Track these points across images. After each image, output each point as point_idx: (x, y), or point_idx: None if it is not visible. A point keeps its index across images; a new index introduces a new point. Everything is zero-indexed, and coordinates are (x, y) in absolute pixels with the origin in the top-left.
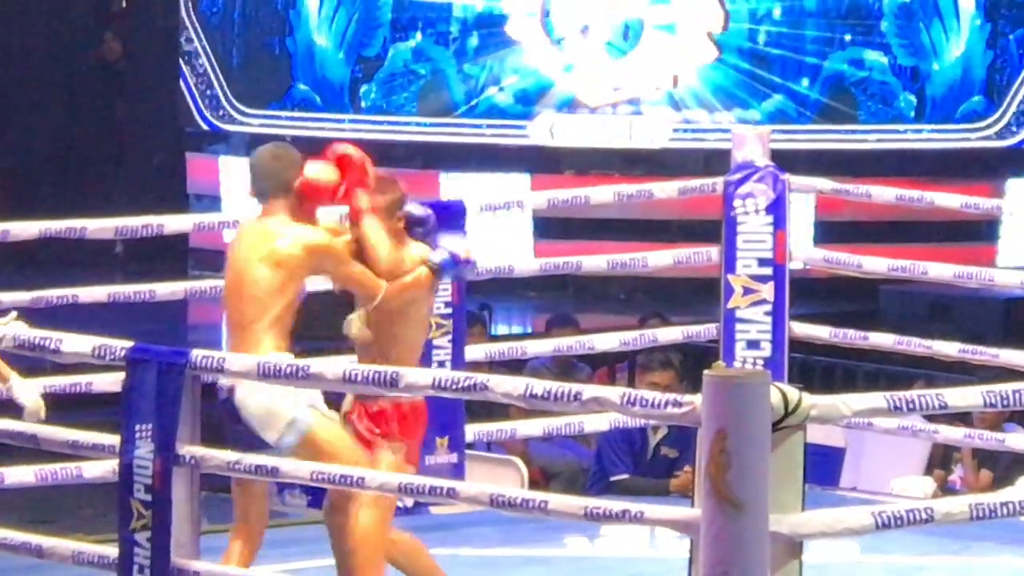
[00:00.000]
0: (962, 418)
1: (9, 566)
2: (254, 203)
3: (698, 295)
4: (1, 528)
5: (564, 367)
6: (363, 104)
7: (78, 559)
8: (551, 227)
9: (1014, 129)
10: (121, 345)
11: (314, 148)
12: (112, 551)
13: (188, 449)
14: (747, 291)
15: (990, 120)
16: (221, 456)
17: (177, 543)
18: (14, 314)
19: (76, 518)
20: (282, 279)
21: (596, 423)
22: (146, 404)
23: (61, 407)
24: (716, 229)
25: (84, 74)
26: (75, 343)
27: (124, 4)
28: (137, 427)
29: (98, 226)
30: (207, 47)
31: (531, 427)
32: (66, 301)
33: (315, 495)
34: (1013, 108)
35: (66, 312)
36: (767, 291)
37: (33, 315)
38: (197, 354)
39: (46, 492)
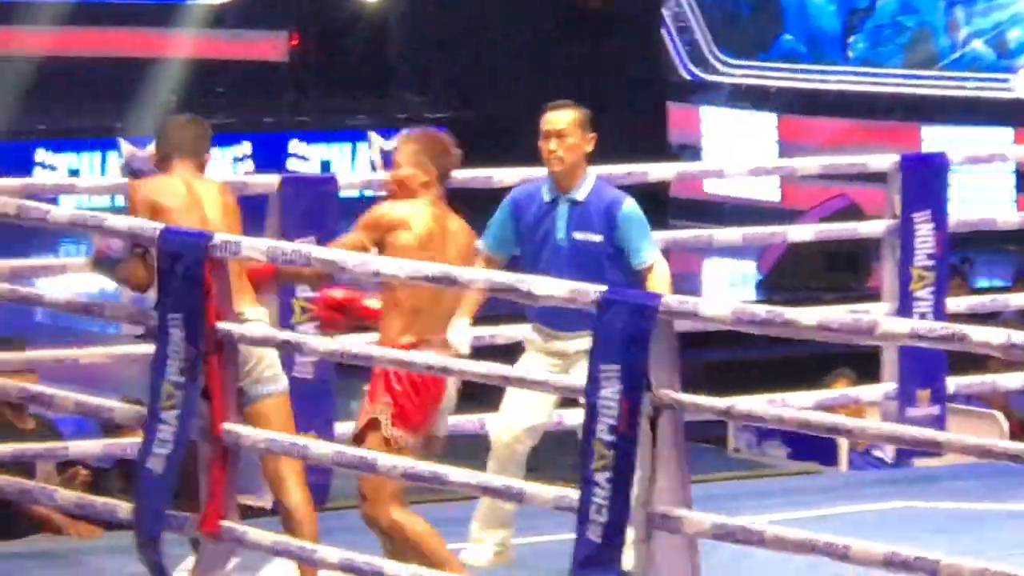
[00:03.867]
0: None
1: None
2: (735, 153)
3: None
4: (483, 473)
5: None
6: (850, 55)
7: (558, 504)
8: None
9: None
10: (595, 288)
11: (799, 99)
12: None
13: (666, 397)
14: None
15: None
16: (693, 401)
17: (660, 493)
18: None
19: (558, 466)
20: None
21: None
22: (614, 346)
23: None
24: None
25: (567, 22)
26: (548, 286)
27: None
28: (604, 368)
29: None
30: None
31: (1012, 379)
32: None
33: (796, 446)
34: None
35: None
36: None
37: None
38: (669, 298)
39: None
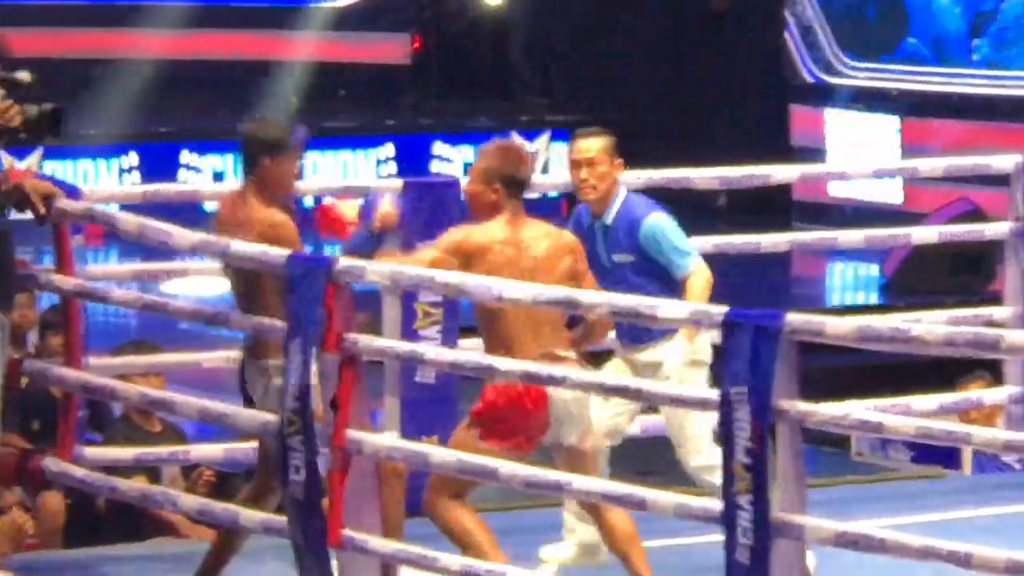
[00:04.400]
0: None
1: None
2: (858, 155)
3: None
4: (605, 481)
5: None
6: (974, 58)
7: (682, 511)
8: None
9: None
10: (718, 310)
11: (922, 102)
12: (715, 504)
13: (786, 408)
14: None
15: None
16: (820, 412)
17: (779, 501)
18: None
19: (677, 470)
20: None
21: None
22: (742, 366)
23: None
24: None
25: (691, 25)
26: (672, 308)
27: None
28: (734, 390)
29: (703, 176)
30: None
31: None
32: None
33: (919, 450)
34: None
35: None
36: None
37: None
38: (793, 318)
39: (650, 443)
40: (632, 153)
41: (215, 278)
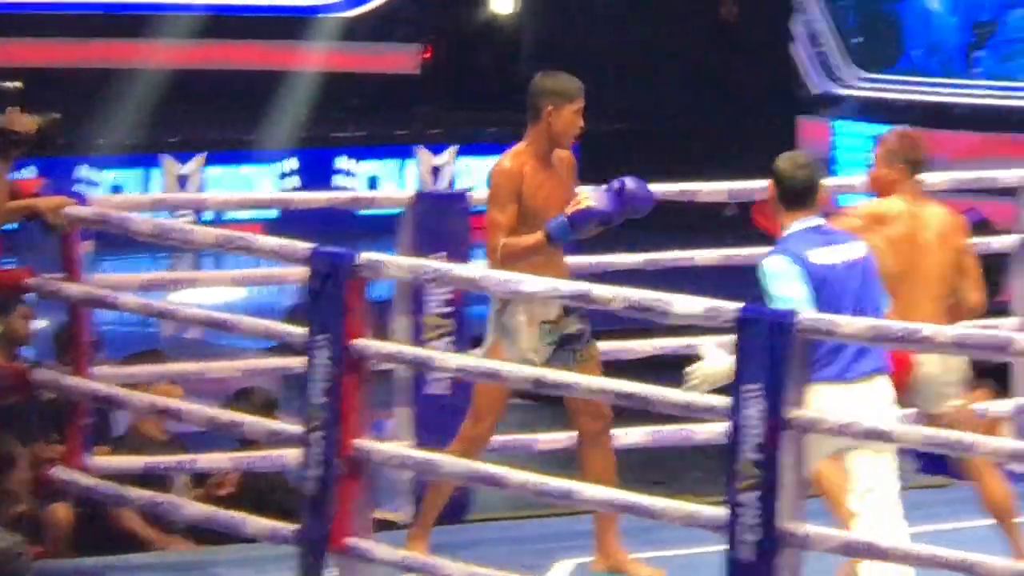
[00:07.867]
0: None
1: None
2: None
3: None
4: (612, 489)
5: None
6: (977, 70)
7: (690, 521)
8: None
9: None
10: (732, 306)
11: (929, 113)
12: (722, 513)
13: (795, 411)
14: None
15: None
16: (827, 420)
17: (783, 506)
18: None
19: (685, 481)
20: None
21: None
22: (755, 365)
23: (672, 369)
24: None
25: (701, 35)
26: (686, 304)
27: None
28: (746, 387)
29: (711, 189)
30: (823, 10)
31: None
32: (679, 264)
33: (926, 460)
34: None
35: (677, 275)
36: None
37: (646, 277)
38: (806, 315)
39: (658, 454)
40: (641, 162)
41: (224, 287)
